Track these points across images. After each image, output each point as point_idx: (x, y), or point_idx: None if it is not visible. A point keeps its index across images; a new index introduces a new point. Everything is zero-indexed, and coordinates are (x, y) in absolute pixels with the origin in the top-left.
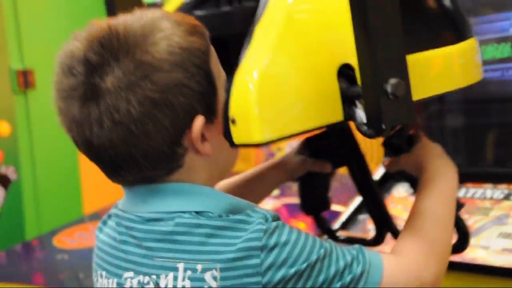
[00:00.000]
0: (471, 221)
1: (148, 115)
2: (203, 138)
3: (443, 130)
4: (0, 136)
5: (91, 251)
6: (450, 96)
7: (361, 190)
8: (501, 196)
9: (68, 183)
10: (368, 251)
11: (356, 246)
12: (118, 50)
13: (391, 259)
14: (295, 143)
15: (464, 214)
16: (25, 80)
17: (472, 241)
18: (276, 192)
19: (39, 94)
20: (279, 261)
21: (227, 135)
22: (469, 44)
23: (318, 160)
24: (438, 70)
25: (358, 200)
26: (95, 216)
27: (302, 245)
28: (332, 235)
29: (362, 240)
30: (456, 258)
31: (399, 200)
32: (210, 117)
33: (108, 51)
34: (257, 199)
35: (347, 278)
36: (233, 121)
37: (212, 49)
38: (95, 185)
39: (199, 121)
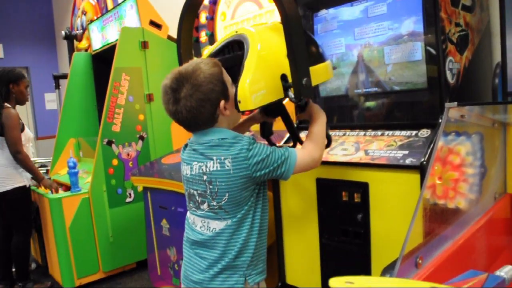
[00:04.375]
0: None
1: (201, 105)
2: (224, 109)
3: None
4: (139, 120)
5: (178, 163)
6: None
7: (288, 129)
8: (341, 134)
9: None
10: (291, 148)
11: (285, 147)
12: (183, 80)
13: (300, 151)
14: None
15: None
16: (149, 97)
17: (332, 151)
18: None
19: (155, 104)
20: (254, 153)
21: (237, 107)
22: (328, 63)
23: (268, 115)
24: (319, 72)
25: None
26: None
27: (263, 148)
28: (274, 145)
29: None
30: (330, 159)
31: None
32: (226, 99)
33: (179, 81)
34: (244, 132)
35: (282, 159)
36: (239, 101)
37: (223, 70)
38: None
39: (222, 102)
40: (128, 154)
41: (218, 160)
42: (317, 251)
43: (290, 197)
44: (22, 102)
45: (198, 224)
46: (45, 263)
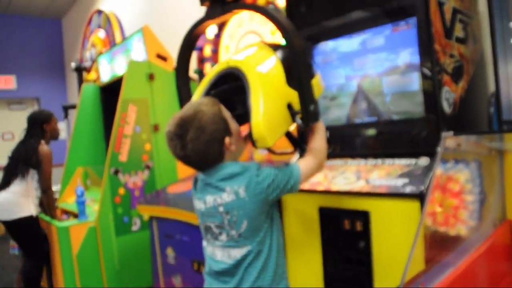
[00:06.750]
0: (332, 174)
1: (208, 146)
2: (230, 144)
3: None
4: (145, 149)
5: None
6: None
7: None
8: (342, 163)
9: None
10: (292, 162)
11: (287, 163)
12: (186, 125)
13: (302, 160)
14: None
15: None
16: (155, 128)
17: (334, 180)
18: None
19: (161, 133)
20: (264, 177)
21: (254, 145)
22: (318, 76)
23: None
24: (313, 87)
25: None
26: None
27: (269, 171)
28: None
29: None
30: (333, 188)
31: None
32: (230, 135)
33: (183, 127)
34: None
35: (288, 174)
36: (256, 140)
37: (222, 106)
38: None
39: (227, 139)
40: (135, 183)
41: (232, 191)
42: (321, 279)
43: (293, 226)
44: (56, 137)
45: (218, 254)
46: None
